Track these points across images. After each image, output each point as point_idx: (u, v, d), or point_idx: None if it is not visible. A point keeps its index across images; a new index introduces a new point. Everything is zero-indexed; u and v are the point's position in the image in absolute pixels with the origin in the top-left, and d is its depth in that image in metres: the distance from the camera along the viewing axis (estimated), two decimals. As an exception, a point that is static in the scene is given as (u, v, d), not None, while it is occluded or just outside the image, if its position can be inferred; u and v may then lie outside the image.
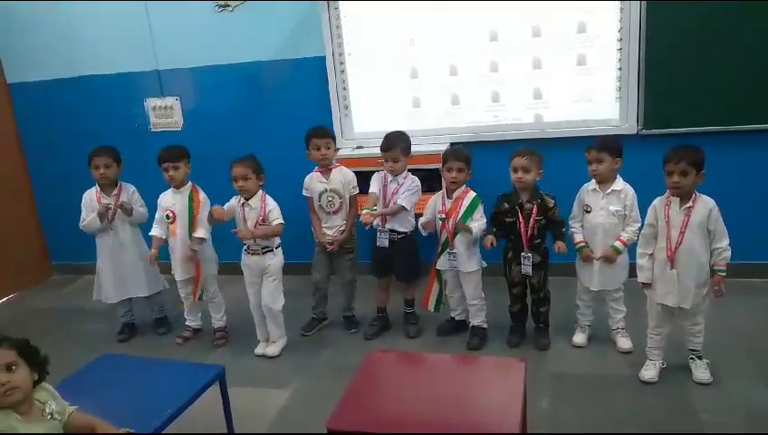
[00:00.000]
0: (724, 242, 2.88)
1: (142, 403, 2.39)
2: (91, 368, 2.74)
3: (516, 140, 4.07)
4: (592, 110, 4.16)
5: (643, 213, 3.17)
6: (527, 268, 3.38)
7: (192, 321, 3.97)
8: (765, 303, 3.83)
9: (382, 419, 2.21)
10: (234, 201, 3.57)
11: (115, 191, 3.89)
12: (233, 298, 4.07)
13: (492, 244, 3.37)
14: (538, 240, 3.37)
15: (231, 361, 3.53)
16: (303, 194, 3.83)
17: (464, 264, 3.49)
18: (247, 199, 3.52)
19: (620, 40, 3.99)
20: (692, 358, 3.07)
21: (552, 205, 3.34)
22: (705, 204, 2.87)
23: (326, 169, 3.78)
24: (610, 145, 3.27)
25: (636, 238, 3.17)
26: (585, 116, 4.16)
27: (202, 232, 3.71)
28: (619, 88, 4.07)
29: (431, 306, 3.70)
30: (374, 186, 3.68)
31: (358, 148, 4.43)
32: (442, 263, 3.56)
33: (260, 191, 3.55)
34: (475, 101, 4.34)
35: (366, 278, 3.92)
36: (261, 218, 3.50)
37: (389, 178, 3.64)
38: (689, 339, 3.06)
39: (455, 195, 3.46)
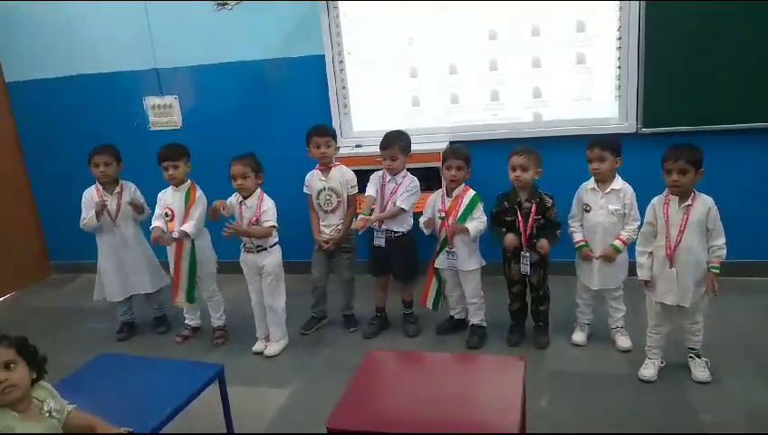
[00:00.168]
0: (721, 241, 2.89)
1: (141, 402, 2.39)
2: (90, 367, 2.73)
3: (515, 138, 4.06)
4: (591, 109, 4.16)
5: (642, 212, 3.17)
6: (526, 267, 3.38)
7: (191, 320, 3.97)
8: (764, 301, 3.83)
9: (382, 418, 2.21)
10: (233, 199, 3.57)
11: (117, 189, 3.89)
12: (232, 297, 4.07)
13: (512, 242, 3.33)
14: (537, 239, 3.37)
15: (230, 360, 3.51)
16: (304, 191, 3.84)
17: (463, 262, 3.49)
18: (245, 198, 3.52)
19: (620, 39, 3.99)
20: (691, 357, 3.07)
21: (549, 204, 3.34)
22: (703, 202, 2.88)
23: (326, 168, 3.78)
24: (612, 144, 3.27)
25: (635, 237, 3.17)
26: (584, 115, 4.16)
27: (189, 226, 3.65)
28: (619, 87, 4.07)
29: (429, 304, 3.70)
30: (371, 188, 3.67)
31: (357, 147, 4.42)
32: (441, 261, 3.56)
33: (258, 190, 3.55)
34: (474, 100, 4.34)
35: (365, 277, 3.92)
36: (255, 218, 3.50)
37: (388, 177, 3.63)
38: (688, 338, 3.06)
39: (454, 193, 3.46)
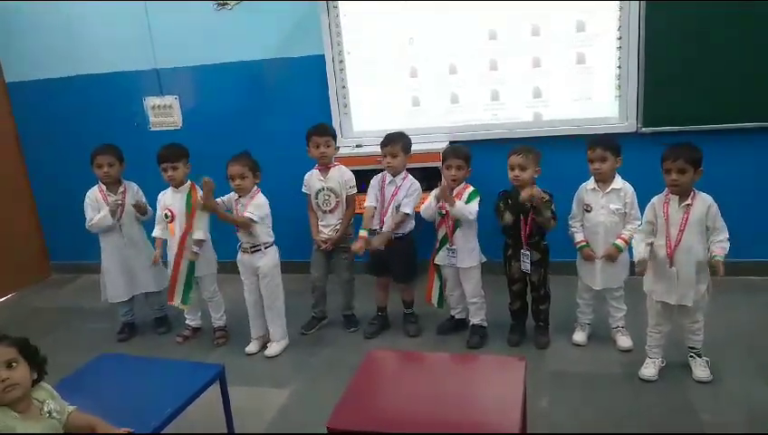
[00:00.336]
0: (724, 235, 2.87)
1: (142, 403, 2.38)
2: (90, 367, 2.73)
3: (515, 138, 4.06)
4: (591, 108, 4.16)
5: (641, 211, 3.17)
6: (526, 265, 3.38)
7: (192, 320, 3.97)
8: (765, 301, 3.83)
9: (382, 418, 2.20)
10: (232, 196, 3.57)
11: (121, 189, 3.89)
12: (232, 297, 4.06)
13: (530, 194, 3.23)
14: (537, 237, 3.37)
15: (231, 360, 3.52)
16: (303, 191, 3.84)
17: (463, 260, 3.49)
18: (242, 196, 3.52)
19: (620, 39, 3.99)
20: (692, 356, 3.07)
21: (547, 197, 3.28)
22: (703, 201, 2.88)
23: (325, 168, 3.78)
24: (613, 144, 3.27)
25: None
26: (584, 115, 4.16)
27: (200, 233, 3.70)
28: (619, 86, 4.07)
29: (434, 301, 3.70)
30: (371, 196, 3.68)
31: (357, 146, 4.42)
32: (441, 258, 3.56)
33: (254, 188, 3.54)
34: (474, 100, 4.34)
35: (365, 277, 3.91)
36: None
37: (387, 178, 3.63)
38: (689, 337, 3.06)
39: (454, 191, 3.45)
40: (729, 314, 3.57)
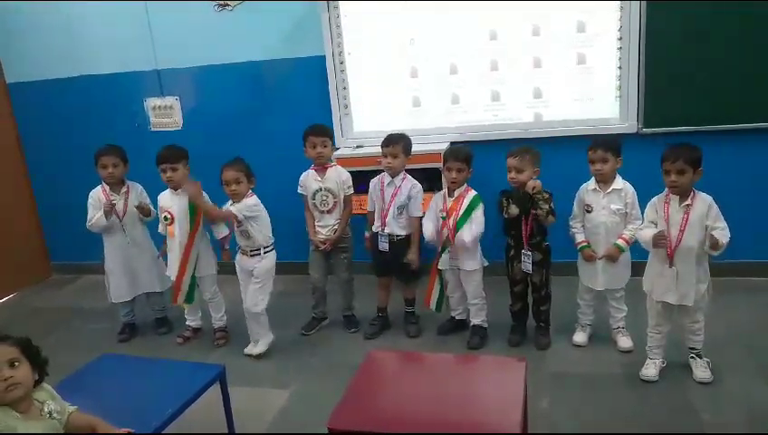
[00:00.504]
0: (722, 224, 2.85)
1: (142, 403, 2.39)
2: (91, 368, 2.73)
3: (516, 139, 4.06)
4: (592, 109, 4.16)
5: (642, 211, 3.17)
6: (527, 265, 3.38)
7: (192, 320, 3.97)
8: (765, 301, 3.83)
9: (383, 418, 2.20)
10: (228, 205, 3.55)
11: (124, 189, 3.89)
12: (233, 298, 4.06)
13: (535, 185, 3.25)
14: (538, 238, 3.37)
15: (231, 360, 3.51)
16: (298, 191, 3.83)
17: (464, 262, 3.49)
18: (236, 203, 3.51)
19: (620, 39, 3.99)
20: (692, 357, 3.07)
21: (547, 196, 3.27)
22: (703, 201, 2.88)
23: (322, 168, 3.77)
24: (614, 145, 3.27)
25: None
26: (585, 115, 4.16)
27: (222, 231, 3.71)
28: (619, 87, 4.07)
29: (432, 305, 3.70)
30: (371, 202, 3.72)
31: (358, 147, 4.42)
32: (443, 262, 3.56)
33: (248, 193, 3.52)
34: (474, 101, 4.34)
35: (365, 278, 3.92)
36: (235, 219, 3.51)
37: (386, 180, 3.63)
38: (689, 337, 3.06)
39: (456, 193, 3.46)
40: (729, 314, 3.57)
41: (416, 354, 3.16)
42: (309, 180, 3.79)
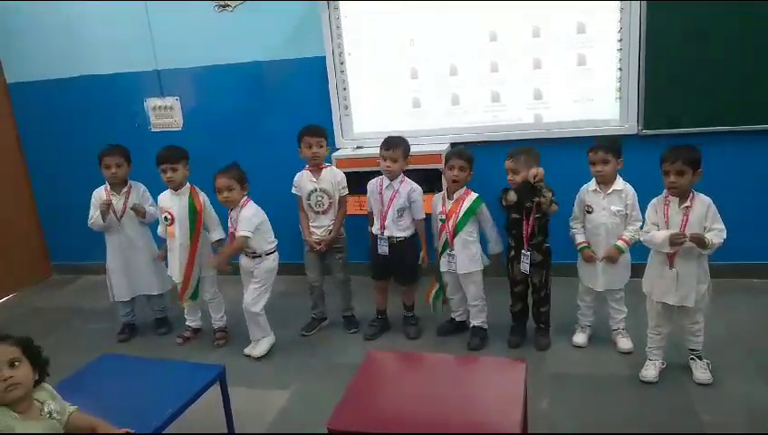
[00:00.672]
0: (719, 226, 2.85)
1: (142, 403, 2.39)
2: (91, 368, 2.73)
3: (516, 140, 4.07)
4: (592, 110, 4.16)
5: (642, 213, 3.17)
6: (525, 266, 3.37)
7: (192, 321, 3.97)
8: (765, 302, 3.83)
9: (382, 419, 2.21)
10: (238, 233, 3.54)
11: (125, 190, 3.89)
12: (233, 299, 4.06)
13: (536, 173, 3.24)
14: (539, 238, 3.37)
15: (231, 361, 3.51)
16: (293, 192, 3.81)
17: (463, 265, 3.49)
18: (231, 210, 3.52)
19: (620, 40, 3.99)
20: (692, 358, 3.07)
21: (549, 195, 3.25)
22: (702, 203, 2.88)
23: (317, 169, 3.76)
24: (615, 146, 3.27)
25: (638, 237, 3.16)
26: (585, 116, 4.16)
27: (217, 234, 3.75)
28: (620, 88, 4.07)
29: (430, 301, 3.71)
30: (369, 203, 3.71)
31: (358, 148, 4.42)
32: (442, 264, 3.56)
33: (243, 199, 3.52)
34: (475, 102, 4.34)
35: (364, 279, 3.91)
36: (232, 229, 3.50)
37: (385, 183, 3.62)
38: (689, 339, 3.06)
39: (455, 196, 3.46)
40: (729, 315, 3.58)
41: (416, 355, 3.16)
42: (303, 181, 3.78)
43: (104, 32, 4.76)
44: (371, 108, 4.54)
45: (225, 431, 2.72)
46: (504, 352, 3.47)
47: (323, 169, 3.77)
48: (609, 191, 3.28)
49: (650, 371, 3.07)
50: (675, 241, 2.83)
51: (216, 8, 4.50)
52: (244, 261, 3.60)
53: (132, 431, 2.08)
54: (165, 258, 3.87)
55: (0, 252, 4.98)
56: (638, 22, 3.87)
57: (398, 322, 3.87)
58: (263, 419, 3.03)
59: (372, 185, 3.69)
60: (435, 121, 4.42)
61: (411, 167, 3.71)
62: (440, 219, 3.51)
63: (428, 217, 3.67)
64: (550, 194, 3.22)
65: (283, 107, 4.58)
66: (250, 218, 3.48)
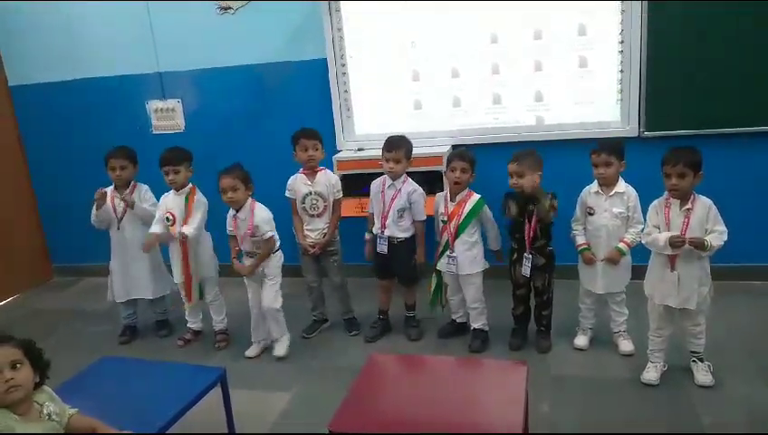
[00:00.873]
0: (720, 228, 2.85)
1: (143, 405, 2.39)
2: (91, 370, 2.74)
3: (517, 142, 4.08)
4: (593, 112, 4.16)
5: (643, 215, 3.17)
6: (527, 269, 3.37)
7: (193, 323, 3.97)
8: (766, 305, 3.82)
9: (384, 421, 2.20)
10: (230, 213, 3.55)
11: (127, 190, 3.89)
12: (234, 301, 4.06)
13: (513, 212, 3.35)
14: (542, 241, 3.36)
15: (232, 363, 3.53)
16: (286, 195, 3.79)
17: (463, 267, 3.49)
18: (237, 211, 3.50)
19: (622, 42, 3.99)
20: (694, 360, 3.07)
21: (548, 198, 3.27)
22: (703, 205, 2.88)
23: (312, 172, 3.75)
24: (617, 148, 3.27)
25: (639, 240, 3.16)
26: (586, 118, 4.16)
27: (188, 229, 3.65)
28: (621, 90, 4.07)
29: (429, 301, 3.71)
30: (371, 204, 3.71)
31: (359, 150, 4.42)
32: (441, 265, 3.56)
33: (249, 201, 3.52)
34: (476, 103, 4.34)
35: (364, 280, 3.91)
36: (249, 231, 3.48)
37: (387, 183, 3.62)
38: (690, 341, 3.06)
39: (458, 198, 3.46)
40: (730, 317, 3.57)
41: (417, 357, 3.16)
42: (298, 184, 3.76)
43: (106, 34, 4.77)
44: (373, 110, 4.54)
45: (227, 434, 2.71)
46: (505, 354, 3.46)
47: (318, 173, 3.76)
48: (611, 193, 3.27)
49: (651, 373, 3.07)
50: (674, 243, 2.83)
51: (218, 11, 4.51)
52: (250, 262, 3.58)
53: (133, 434, 2.08)
54: (153, 244, 3.82)
55: (1, 254, 4.99)
56: (640, 24, 3.87)
57: (400, 323, 3.86)
58: (264, 421, 3.02)
59: (376, 184, 3.69)
60: (436, 123, 4.42)
61: (412, 169, 3.71)
62: (442, 220, 3.52)
63: (429, 219, 3.67)
64: (547, 202, 3.23)
65: (284, 109, 4.58)
66: (269, 219, 3.51)
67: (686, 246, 2.81)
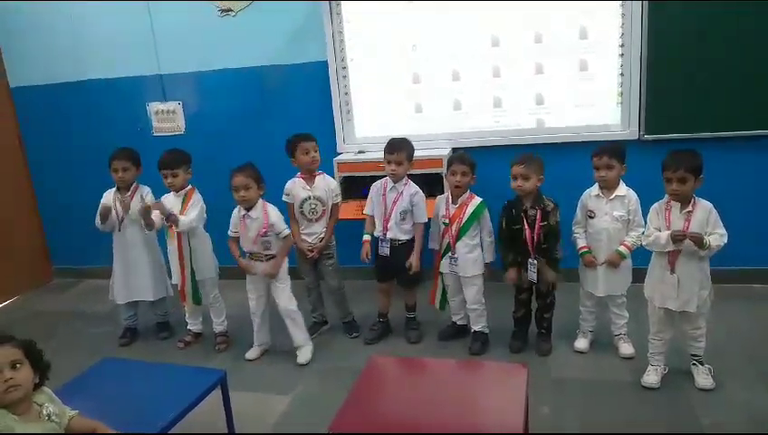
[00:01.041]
0: (720, 231, 2.86)
1: (144, 407, 2.39)
2: (92, 371, 2.74)
3: (518, 145, 4.08)
4: (594, 115, 4.17)
5: (644, 218, 3.17)
6: (533, 275, 3.37)
7: (193, 325, 3.97)
8: (766, 308, 3.82)
9: (384, 423, 2.20)
10: (235, 213, 3.54)
11: (128, 193, 3.89)
12: (234, 303, 4.06)
13: (512, 278, 3.43)
14: (545, 245, 3.36)
15: (232, 365, 3.53)
16: (284, 199, 3.75)
17: (465, 268, 3.49)
18: (248, 210, 3.49)
19: (622, 46, 4.00)
20: (694, 364, 3.07)
21: (550, 208, 3.30)
22: (703, 208, 2.88)
23: (310, 176, 3.74)
24: (619, 152, 3.27)
25: (640, 243, 3.16)
26: (587, 121, 4.17)
27: (184, 218, 3.62)
28: (621, 93, 4.08)
29: (437, 304, 3.71)
30: (369, 206, 3.68)
31: (360, 152, 4.42)
32: (443, 266, 3.56)
33: (260, 200, 3.52)
34: (476, 106, 4.35)
35: (364, 283, 3.91)
36: (263, 230, 3.47)
37: (389, 185, 3.62)
38: (691, 344, 3.06)
39: (459, 201, 3.46)
40: (730, 321, 3.57)
41: (417, 360, 3.15)
42: (296, 189, 3.74)
43: (107, 36, 4.78)
44: (373, 112, 4.55)
45: (227, 435, 2.72)
46: (505, 356, 3.46)
47: (317, 177, 3.76)
48: (611, 196, 3.27)
49: (652, 376, 3.07)
50: (675, 237, 2.82)
51: (219, 13, 4.52)
52: (257, 267, 3.55)
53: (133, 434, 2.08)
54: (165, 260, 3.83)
55: (2, 255, 4.99)
56: (640, 27, 3.88)
57: (400, 326, 3.86)
58: (264, 423, 3.02)
59: (376, 187, 3.69)
60: (437, 126, 4.42)
61: (413, 171, 3.71)
62: (443, 222, 3.52)
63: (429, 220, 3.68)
64: (555, 253, 3.34)
65: (285, 111, 4.59)
66: (281, 217, 3.53)
67: (687, 241, 2.80)
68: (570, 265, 3.50)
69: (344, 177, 4.18)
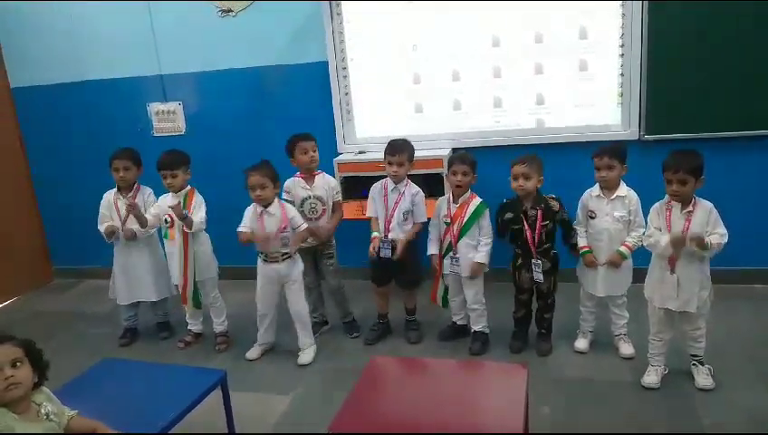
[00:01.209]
0: (720, 230, 2.85)
1: (144, 407, 2.39)
2: (92, 372, 2.73)
3: (518, 145, 4.08)
4: (594, 115, 4.16)
5: (644, 218, 3.17)
6: (539, 275, 3.36)
7: (194, 325, 3.97)
8: (766, 308, 3.82)
9: (384, 423, 2.21)
10: (251, 209, 3.52)
11: (131, 193, 3.89)
12: (234, 303, 4.07)
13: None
14: (547, 245, 3.36)
15: (233, 365, 3.53)
16: (284, 198, 3.73)
17: (466, 268, 3.49)
18: (266, 207, 3.48)
19: (622, 46, 4.00)
20: (694, 364, 3.07)
21: (557, 208, 3.32)
22: (704, 208, 2.88)
23: (310, 175, 3.74)
24: (620, 152, 3.27)
25: (640, 243, 3.16)
26: (587, 122, 4.16)
27: (197, 217, 3.64)
28: (621, 94, 4.08)
29: (439, 302, 3.70)
30: (371, 208, 3.67)
31: (360, 153, 4.42)
32: (444, 266, 3.56)
33: (276, 198, 3.52)
34: (477, 107, 4.35)
35: (364, 283, 3.91)
36: (283, 226, 3.47)
37: (390, 186, 3.62)
38: (691, 344, 3.06)
39: (460, 200, 3.46)
40: (730, 321, 3.57)
41: (417, 360, 3.16)
42: (296, 188, 3.74)
43: (107, 36, 4.77)
44: (373, 112, 4.55)
45: (227, 435, 2.72)
46: (505, 357, 3.47)
47: (316, 176, 3.76)
48: (612, 197, 3.27)
49: (652, 376, 3.07)
50: (675, 241, 2.82)
51: (219, 13, 4.52)
52: (269, 268, 3.52)
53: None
54: (164, 260, 3.83)
55: (2, 256, 4.99)
56: (640, 27, 3.87)
57: (400, 326, 3.86)
58: (264, 423, 3.02)
59: (376, 188, 3.68)
60: (437, 126, 4.42)
61: (413, 171, 3.71)
62: (445, 222, 3.52)
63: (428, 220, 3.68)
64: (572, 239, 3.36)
65: (285, 112, 4.58)
66: (297, 212, 3.54)
67: (687, 246, 2.80)
68: (569, 265, 3.50)
69: (344, 177, 4.18)
